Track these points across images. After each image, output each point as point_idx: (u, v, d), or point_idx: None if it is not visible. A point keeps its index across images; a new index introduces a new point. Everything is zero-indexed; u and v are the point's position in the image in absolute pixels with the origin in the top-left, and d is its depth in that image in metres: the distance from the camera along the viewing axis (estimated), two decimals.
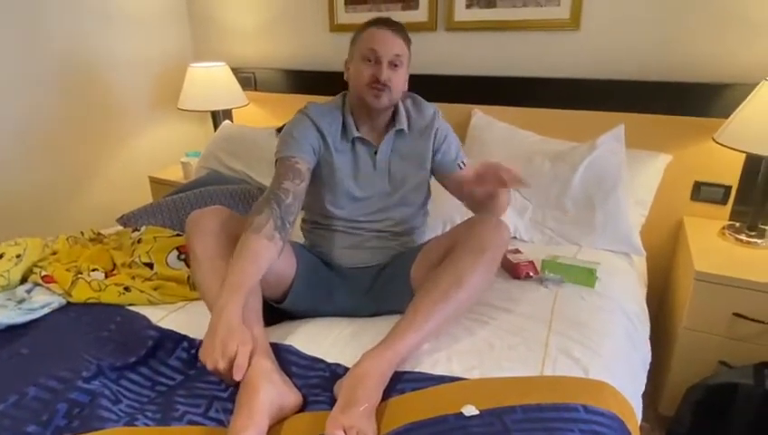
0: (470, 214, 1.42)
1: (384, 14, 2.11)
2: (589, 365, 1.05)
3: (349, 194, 1.33)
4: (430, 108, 1.42)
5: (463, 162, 1.42)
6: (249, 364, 0.99)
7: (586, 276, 1.36)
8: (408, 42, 1.30)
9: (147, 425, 0.92)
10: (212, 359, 0.97)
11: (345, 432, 0.87)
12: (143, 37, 2.46)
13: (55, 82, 2.16)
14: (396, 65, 1.26)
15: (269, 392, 0.94)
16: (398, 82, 1.27)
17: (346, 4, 2.20)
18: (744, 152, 1.48)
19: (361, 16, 2.17)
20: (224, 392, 1.02)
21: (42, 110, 2.14)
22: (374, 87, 1.24)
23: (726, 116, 1.57)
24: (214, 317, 1.03)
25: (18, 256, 1.43)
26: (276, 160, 1.28)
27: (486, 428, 0.88)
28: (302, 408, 0.99)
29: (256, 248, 1.10)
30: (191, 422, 0.94)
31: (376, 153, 1.34)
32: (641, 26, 1.73)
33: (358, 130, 1.32)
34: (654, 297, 1.86)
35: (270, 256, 1.13)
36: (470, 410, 0.92)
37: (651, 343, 1.42)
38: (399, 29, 1.29)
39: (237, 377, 0.96)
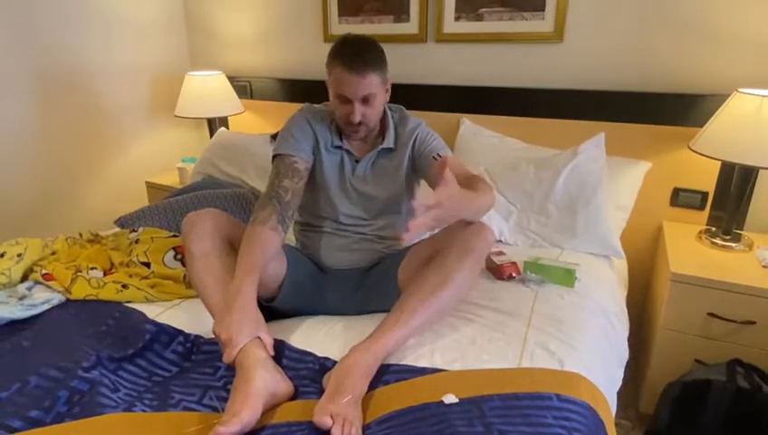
0: None
1: (377, 27, 2.20)
2: (564, 358, 1.10)
3: (335, 195, 1.39)
4: (415, 121, 1.45)
5: (438, 154, 1.37)
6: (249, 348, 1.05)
7: (565, 277, 1.42)
8: (379, 70, 1.27)
9: (144, 411, 0.97)
10: (226, 332, 1.05)
11: (333, 419, 0.91)
12: (141, 46, 2.52)
13: (54, 88, 2.21)
14: (368, 100, 1.27)
15: (263, 379, 0.99)
16: (373, 114, 1.31)
17: (339, 15, 2.27)
18: (717, 160, 1.55)
19: (354, 28, 2.25)
20: (218, 382, 1.07)
21: (40, 115, 2.19)
22: (350, 125, 1.31)
23: (702, 125, 1.64)
24: (230, 296, 1.11)
25: (19, 256, 1.48)
26: (275, 156, 1.34)
27: (465, 414, 0.93)
28: (294, 397, 1.04)
29: (263, 238, 1.19)
30: (186, 408, 0.99)
31: (357, 162, 1.41)
32: (621, 40, 1.81)
33: (341, 139, 1.38)
34: (636, 299, 1.92)
35: (275, 245, 1.21)
36: (450, 399, 0.97)
37: (634, 344, 1.47)
38: (367, 65, 1.23)
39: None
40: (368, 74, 1.24)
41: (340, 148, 1.39)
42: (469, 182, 1.23)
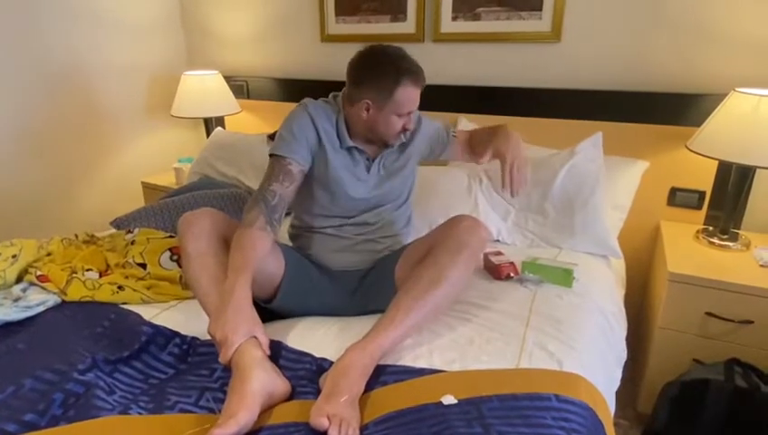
0: (451, 214, 1.47)
1: (374, 26, 2.20)
2: (563, 358, 1.10)
3: (345, 188, 1.37)
4: (415, 113, 1.48)
5: (454, 133, 1.57)
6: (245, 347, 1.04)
7: (563, 277, 1.42)
8: None
9: (140, 413, 0.96)
10: (221, 332, 1.03)
11: (329, 420, 0.91)
12: (138, 45, 2.51)
13: (50, 88, 2.20)
14: None
15: (261, 379, 0.98)
16: None
17: (336, 15, 2.27)
18: (715, 159, 1.55)
19: (351, 27, 2.24)
20: (215, 383, 1.07)
21: (36, 115, 2.18)
22: (401, 133, 1.35)
23: (699, 125, 1.64)
24: (224, 296, 1.09)
25: (14, 257, 1.47)
26: (271, 155, 1.31)
27: (464, 415, 0.93)
28: (291, 397, 1.03)
29: (252, 238, 1.18)
30: (182, 410, 0.98)
31: (369, 160, 1.40)
32: (618, 39, 1.81)
33: (351, 140, 1.37)
34: (634, 299, 1.92)
35: (264, 245, 1.20)
36: (449, 400, 0.97)
37: (631, 344, 1.47)
38: (425, 77, 1.32)
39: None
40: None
41: (351, 148, 1.37)
42: (491, 129, 1.44)
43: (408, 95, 1.28)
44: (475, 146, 1.50)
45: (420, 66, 1.30)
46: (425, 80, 1.31)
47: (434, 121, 1.55)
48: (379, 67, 1.27)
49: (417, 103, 1.33)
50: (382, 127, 1.32)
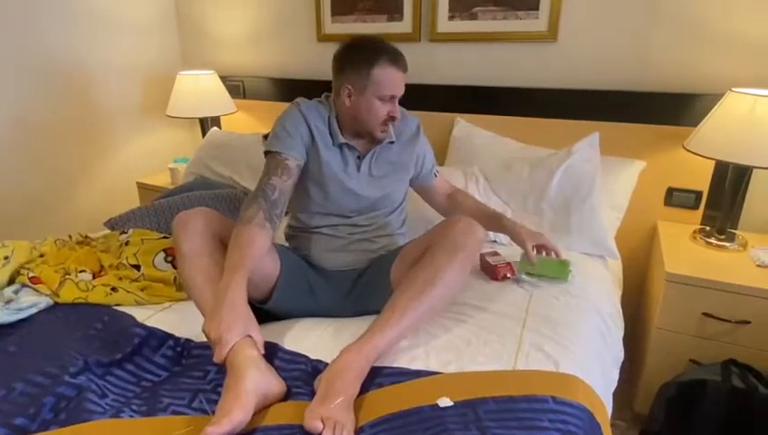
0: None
1: (370, 26, 2.19)
2: (559, 360, 1.09)
3: (338, 185, 1.36)
4: (414, 120, 1.51)
5: (437, 172, 1.59)
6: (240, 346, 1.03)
7: (560, 268, 1.42)
8: None
9: (132, 417, 0.95)
10: (216, 331, 1.02)
11: (323, 423, 0.90)
12: (133, 45, 2.50)
13: (45, 87, 2.19)
14: None
15: (255, 378, 0.97)
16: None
17: (333, 14, 2.26)
18: (712, 159, 1.55)
19: (347, 27, 2.23)
20: (208, 385, 1.05)
21: (31, 115, 2.16)
22: (387, 124, 1.33)
23: (696, 125, 1.64)
24: (219, 295, 1.07)
25: (6, 258, 1.45)
26: (266, 153, 1.31)
27: (460, 418, 0.92)
28: (286, 397, 1.02)
29: (250, 235, 1.16)
30: (175, 412, 0.97)
31: (359, 157, 1.39)
32: (615, 39, 1.80)
33: (343, 136, 1.37)
34: (631, 299, 1.92)
35: (263, 242, 1.18)
36: (445, 402, 0.96)
37: (628, 344, 1.46)
38: (406, 63, 1.32)
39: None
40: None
41: (342, 145, 1.36)
42: (490, 213, 1.53)
43: (388, 75, 1.28)
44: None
45: (401, 52, 1.30)
46: (406, 65, 1.31)
47: (431, 151, 1.57)
48: (358, 51, 1.29)
49: (401, 90, 1.32)
50: (365, 112, 1.31)
